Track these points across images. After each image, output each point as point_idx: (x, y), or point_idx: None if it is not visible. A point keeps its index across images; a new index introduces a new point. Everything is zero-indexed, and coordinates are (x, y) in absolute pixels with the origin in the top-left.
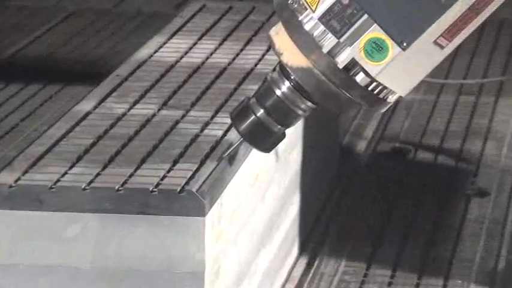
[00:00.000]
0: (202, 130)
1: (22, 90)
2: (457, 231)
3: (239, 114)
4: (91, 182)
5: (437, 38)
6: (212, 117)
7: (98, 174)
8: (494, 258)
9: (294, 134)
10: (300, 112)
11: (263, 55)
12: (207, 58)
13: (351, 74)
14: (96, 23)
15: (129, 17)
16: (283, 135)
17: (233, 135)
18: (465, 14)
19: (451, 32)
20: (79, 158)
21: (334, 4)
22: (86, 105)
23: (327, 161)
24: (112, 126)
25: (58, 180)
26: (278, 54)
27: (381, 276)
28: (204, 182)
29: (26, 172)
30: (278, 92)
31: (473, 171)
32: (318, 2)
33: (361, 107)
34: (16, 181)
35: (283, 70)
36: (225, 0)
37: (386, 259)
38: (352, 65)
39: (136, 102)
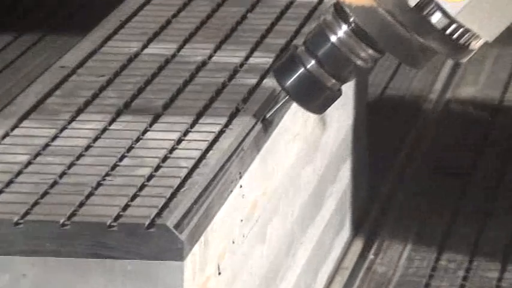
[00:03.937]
0: (179, 142)
1: None
2: None
3: (284, 67)
4: (26, 213)
5: None
6: (192, 125)
7: (35, 203)
8: None
9: (312, 142)
10: (360, 62)
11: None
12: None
13: (425, 13)
14: None
15: None
16: (339, 93)
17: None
18: None
19: None
20: (10, 182)
21: None
22: (24, 103)
23: (353, 180)
24: (54, 138)
25: None
26: None
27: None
28: (182, 212)
29: None
30: (333, 38)
31: None
32: None
33: (436, 56)
34: None
35: (339, 11)
36: None
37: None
38: (426, 2)
39: (88, 103)
